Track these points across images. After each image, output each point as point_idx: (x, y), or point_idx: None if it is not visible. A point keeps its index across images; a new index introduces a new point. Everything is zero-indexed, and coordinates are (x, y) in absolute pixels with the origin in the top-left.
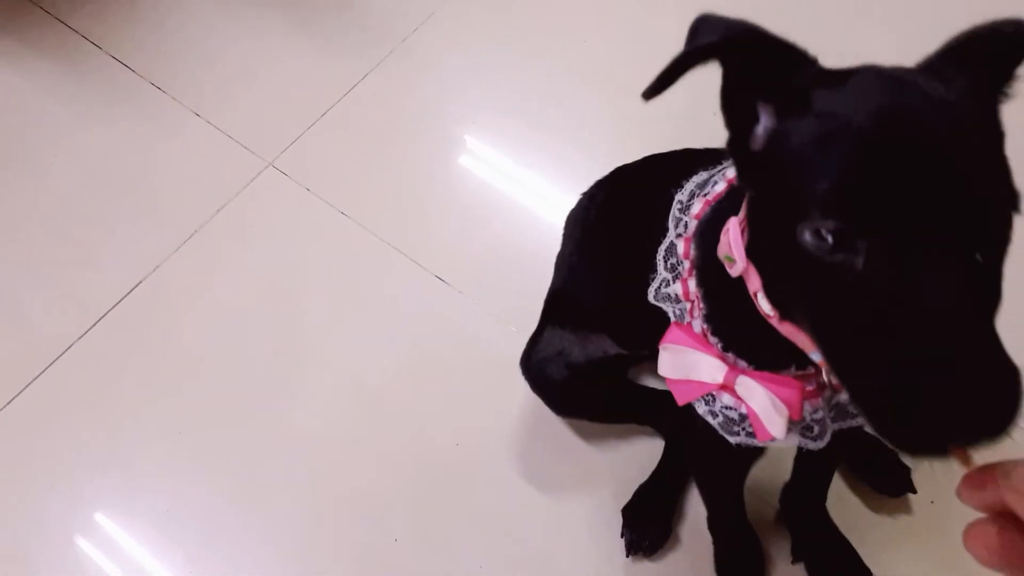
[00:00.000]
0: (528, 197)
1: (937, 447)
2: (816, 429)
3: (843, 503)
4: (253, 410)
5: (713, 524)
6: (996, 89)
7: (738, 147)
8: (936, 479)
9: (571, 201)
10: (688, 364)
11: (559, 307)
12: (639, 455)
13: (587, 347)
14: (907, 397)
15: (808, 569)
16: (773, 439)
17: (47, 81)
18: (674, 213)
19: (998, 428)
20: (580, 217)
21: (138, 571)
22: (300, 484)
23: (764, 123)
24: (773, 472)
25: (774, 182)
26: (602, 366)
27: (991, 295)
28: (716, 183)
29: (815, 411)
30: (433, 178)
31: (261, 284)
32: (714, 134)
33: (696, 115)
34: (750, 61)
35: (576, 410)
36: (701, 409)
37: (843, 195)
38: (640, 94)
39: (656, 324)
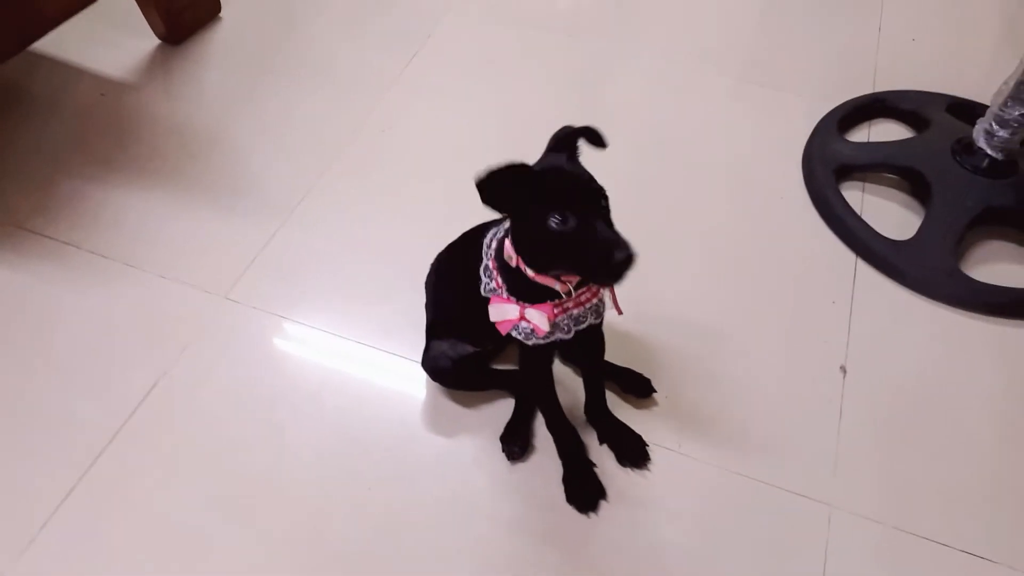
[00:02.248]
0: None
1: (618, 275)
2: (566, 329)
3: (619, 406)
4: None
5: (549, 425)
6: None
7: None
8: (665, 387)
9: None
10: (503, 311)
11: (435, 329)
12: (502, 407)
13: (456, 348)
14: (603, 263)
15: (610, 446)
16: (545, 334)
17: (49, 283)
18: (484, 250)
19: (626, 265)
20: (432, 276)
21: None
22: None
23: None
24: (577, 400)
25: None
26: (468, 358)
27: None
28: (497, 233)
29: (563, 319)
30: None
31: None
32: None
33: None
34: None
35: (460, 384)
36: (514, 333)
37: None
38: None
39: (489, 327)
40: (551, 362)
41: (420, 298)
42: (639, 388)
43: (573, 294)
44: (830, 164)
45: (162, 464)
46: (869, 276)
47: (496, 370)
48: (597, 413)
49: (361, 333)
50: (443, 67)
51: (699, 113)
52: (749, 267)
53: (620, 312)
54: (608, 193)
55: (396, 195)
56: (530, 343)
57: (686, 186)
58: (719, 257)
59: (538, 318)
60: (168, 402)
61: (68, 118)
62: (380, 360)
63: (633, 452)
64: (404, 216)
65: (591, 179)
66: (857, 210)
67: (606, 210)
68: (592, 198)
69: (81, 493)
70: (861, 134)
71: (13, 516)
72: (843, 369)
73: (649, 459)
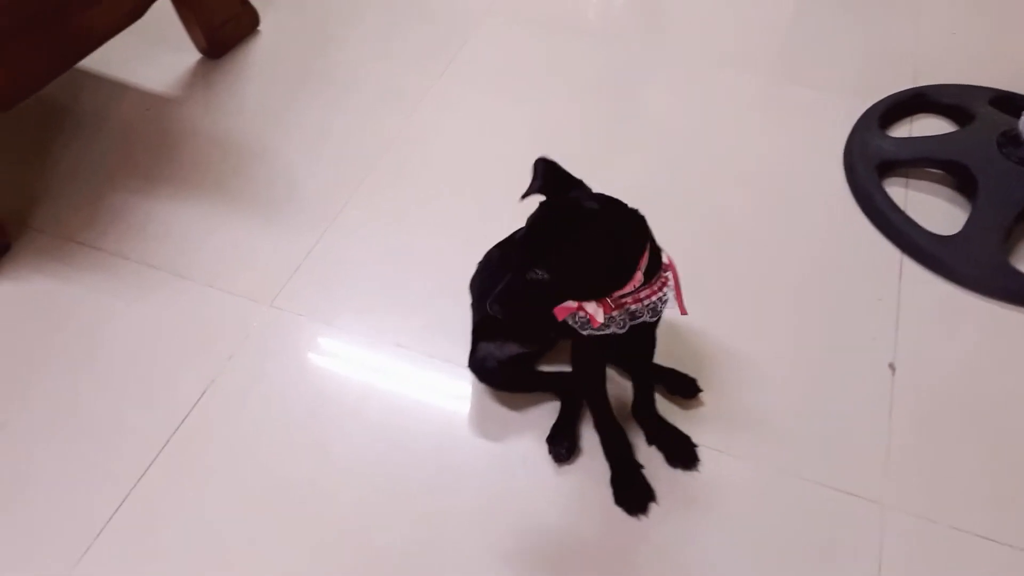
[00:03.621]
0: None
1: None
2: (621, 323)
3: (665, 407)
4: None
5: (597, 424)
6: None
7: None
8: (711, 387)
9: None
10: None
11: (482, 330)
12: (548, 410)
13: (504, 349)
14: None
15: (659, 446)
16: (599, 326)
17: (100, 294)
18: None
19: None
20: (480, 275)
21: None
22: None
23: None
24: (623, 401)
25: None
26: (515, 359)
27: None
28: None
29: (620, 314)
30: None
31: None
32: None
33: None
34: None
35: (507, 385)
36: (570, 321)
37: None
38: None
39: (536, 326)
40: (604, 358)
41: (459, 304)
42: (685, 388)
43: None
44: (872, 160)
45: (211, 473)
46: (915, 272)
47: (542, 372)
48: (646, 413)
49: (404, 339)
50: (475, 79)
51: (735, 115)
52: (792, 266)
53: (684, 312)
54: (547, 271)
55: (431, 204)
56: (584, 332)
57: (725, 188)
58: (762, 257)
59: (593, 309)
60: (216, 410)
61: (114, 133)
62: (424, 364)
63: (683, 453)
64: (440, 224)
65: (534, 248)
66: (901, 206)
67: (522, 270)
68: (520, 260)
69: (133, 502)
70: (903, 130)
71: (68, 525)
72: (892, 367)
73: (699, 460)
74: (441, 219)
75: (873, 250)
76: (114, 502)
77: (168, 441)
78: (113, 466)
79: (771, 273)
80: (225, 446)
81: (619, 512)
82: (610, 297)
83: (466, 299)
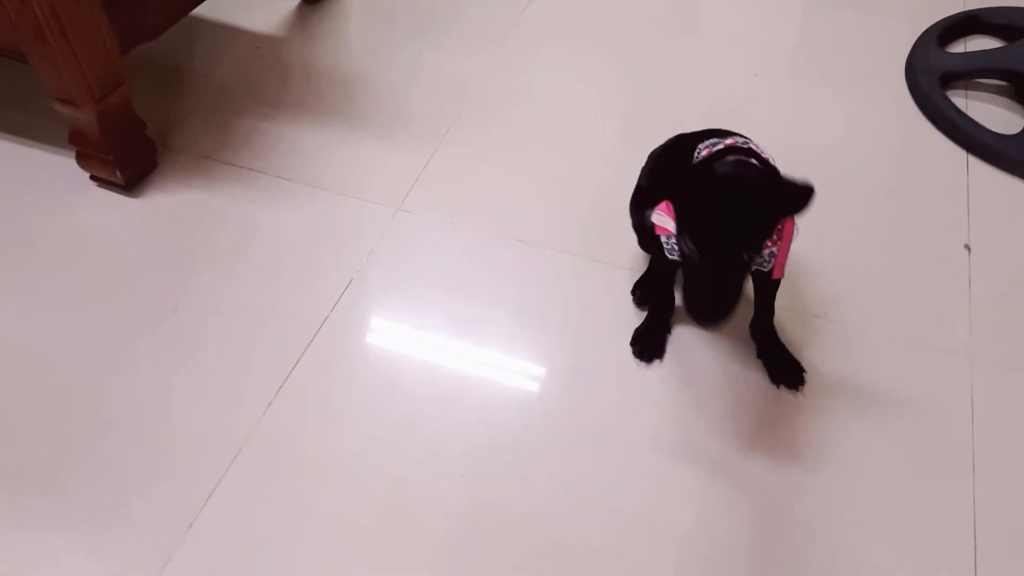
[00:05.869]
0: None
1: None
2: None
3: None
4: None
5: (656, 284)
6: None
7: None
8: (804, 267)
9: None
10: (664, 221)
11: (638, 200)
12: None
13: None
14: (689, 307)
15: (765, 363)
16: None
17: (243, 203)
18: (696, 154)
19: (714, 320)
20: (650, 165)
21: None
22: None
23: None
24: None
25: None
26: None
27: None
28: (717, 144)
29: None
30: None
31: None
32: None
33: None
34: None
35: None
36: (663, 239)
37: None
38: None
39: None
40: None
41: (569, 203)
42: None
43: None
44: (935, 72)
45: (365, 347)
46: (981, 169)
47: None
48: (761, 329)
49: (523, 235)
50: (559, 13)
51: (794, 38)
52: (863, 170)
53: (779, 275)
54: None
55: (533, 123)
56: (670, 258)
57: (794, 102)
58: (834, 165)
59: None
60: (362, 296)
61: (231, 69)
62: (545, 255)
63: (789, 374)
64: (540, 139)
65: (746, 234)
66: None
67: (742, 266)
68: (728, 254)
69: (301, 371)
70: (958, 48)
71: (255, 379)
72: (967, 247)
73: (804, 382)
74: (542, 135)
75: (939, 151)
76: (286, 369)
77: (326, 319)
78: (277, 343)
79: (843, 178)
80: (375, 325)
81: (763, 377)
82: None
83: (573, 200)
